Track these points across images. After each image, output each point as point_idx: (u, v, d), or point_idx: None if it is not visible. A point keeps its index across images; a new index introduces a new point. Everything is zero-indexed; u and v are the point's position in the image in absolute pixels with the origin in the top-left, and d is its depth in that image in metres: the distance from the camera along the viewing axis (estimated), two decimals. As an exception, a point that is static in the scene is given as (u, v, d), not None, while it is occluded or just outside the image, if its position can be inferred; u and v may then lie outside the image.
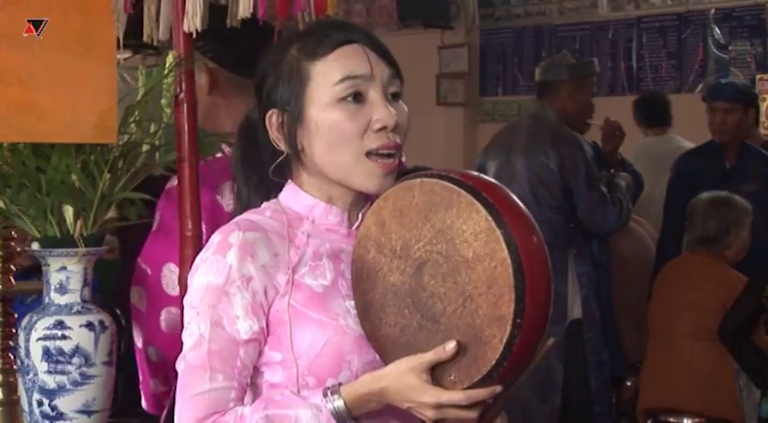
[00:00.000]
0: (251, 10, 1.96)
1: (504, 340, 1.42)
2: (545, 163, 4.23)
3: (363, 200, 1.65)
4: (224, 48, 2.25)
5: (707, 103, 5.04)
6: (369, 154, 1.58)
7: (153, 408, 2.25)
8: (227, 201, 2.12)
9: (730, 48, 6.74)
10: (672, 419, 4.16)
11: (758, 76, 6.51)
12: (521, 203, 1.49)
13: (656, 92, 6.46)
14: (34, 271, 2.58)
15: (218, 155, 2.19)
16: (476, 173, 1.53)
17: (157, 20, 2.07)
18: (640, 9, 7.04)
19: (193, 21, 1.97)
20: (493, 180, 1.52)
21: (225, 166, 2.04)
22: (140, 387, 2.25)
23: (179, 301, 2.03)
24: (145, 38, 2.02)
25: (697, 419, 4.08)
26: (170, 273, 2.12)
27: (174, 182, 2.16)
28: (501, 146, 4.48)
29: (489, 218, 1.43)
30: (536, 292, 1.43)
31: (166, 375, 2.18)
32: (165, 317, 2.14)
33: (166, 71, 1.98)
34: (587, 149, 4.34)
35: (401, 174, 1.61)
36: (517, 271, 1.41)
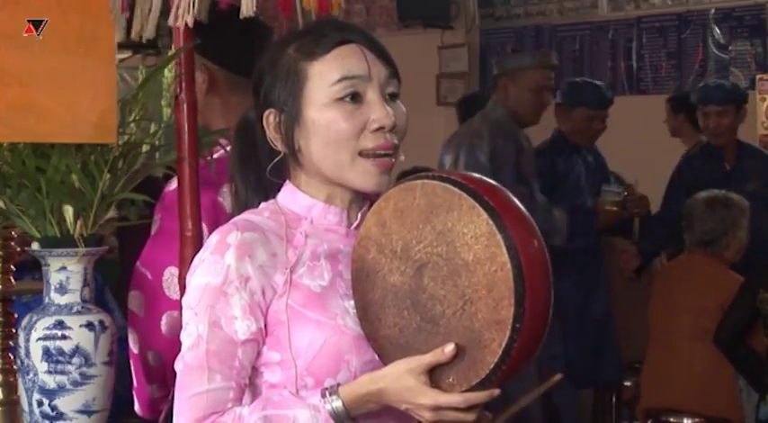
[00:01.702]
0: (254, 9, 1.96)
1: (503, 344, 1.42)
2: (478, 158, 4.22)
3: (362, 198, 1.65)
4: (223, 47, 2.24)
5: (698, 107, 5.03)
6: (364, 153, 1.58)
7: (148, 412, 2.23)
8: (228, 201, 2.11)
9: (730, 48, 6.73)
10: (672, 419, 4.16)
11: (758, 76, 6.51)
12: (522, 207, 1.48)
13: (479, 93, 6.34)
14: (28, 268, 2.57)
15: (216, 155, 2.18)
16: (477, 175, 1.52)
17: (156, 21, 2.06)
18: (640, 9, 7.03)
19: (183, 14, 1.96)
20: (494, 183, 1.51)
21: (225, 167, 2.03)
22: (134, 393, 2.24)
23: (180, 305, 2.03)
24: (133, 35, 2.00)
25: (697, 420, 4.08)
26: (171, 276, 2.11)
27: (171, 185, 2.15)
28: (451, 143, 4.49)
29: (490, 222, 1.43)
30: (536, 297, 1.43)
31: (164, 379, 2.16)
32: (167, 321, 2.13)
33: (166, 64, 1.98)
34: (524, 144, 4.31)
35: (402, 175, 1.61)
36: (517, 275, 1.41)
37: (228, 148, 2.13)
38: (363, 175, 1.59)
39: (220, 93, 2.29)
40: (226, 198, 2.12)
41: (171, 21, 1.92)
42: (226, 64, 2.29)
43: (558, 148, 4.74)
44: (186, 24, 1.97)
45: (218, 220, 2.04)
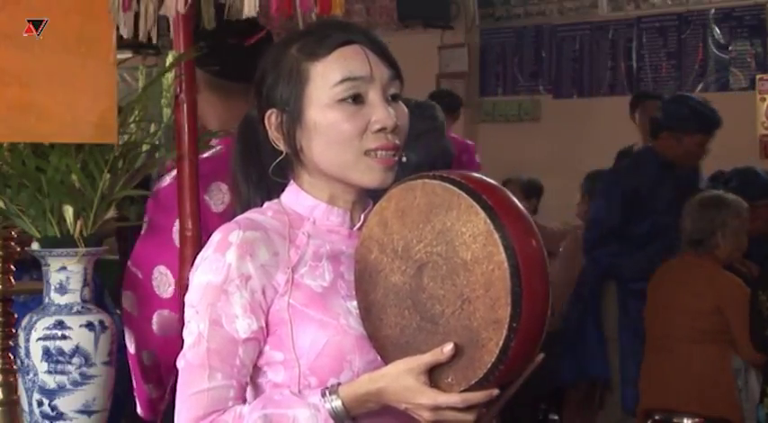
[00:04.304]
0: (256, 9, 1.95)
1: (501, 344, 1.42)
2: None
3: (365, 200, 1.66)
4: (218, 54, 2.22)
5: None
6: (368, 153, 1.58)
7: (149, 413, 2.23)
8: (214, 201, 2.11)
9: (730, 48, 6.74)
10: (671, 420, 4.16)
11: (758, 76, 6.51)
12: (521, 206, 1.49)
13: None
14: (27, 267, 2.57)
15: (207, 154, 2.17)
16: (477, 175, 1.53)
17: (156, 19, 2.05)
18: (640, 9, 7.04)
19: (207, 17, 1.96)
20: (494, 182, 1.51)
21: (214, 166, 2.03)
22: (135, 393, 2.24)
23: (171, 304, 2.01)
24: (141, 36, 2.00)
25: (697, 420, 4.08)
26: (161, 275, 2.10)
27: (161, 183, 2.15)
28: None
29: (488, 221, 1.43)
30: (533, 296, 1.43)
31: (160, 379, 2.16)
32: (158, 320, 2.12)
33: (167, 68, 1.98)
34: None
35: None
36: (514, 275, 1.41)
37: (219, 148, 2.13)
38: (368, 172, 1.59)
39: (206, 96, 2.27)
40: (212, 197, 2.11)
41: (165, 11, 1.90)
42: (218, 71, 2.27)
43: (644, 166, 4.59)
44: (186, 25, 1.98)
45: (204, 217, 2.02)
